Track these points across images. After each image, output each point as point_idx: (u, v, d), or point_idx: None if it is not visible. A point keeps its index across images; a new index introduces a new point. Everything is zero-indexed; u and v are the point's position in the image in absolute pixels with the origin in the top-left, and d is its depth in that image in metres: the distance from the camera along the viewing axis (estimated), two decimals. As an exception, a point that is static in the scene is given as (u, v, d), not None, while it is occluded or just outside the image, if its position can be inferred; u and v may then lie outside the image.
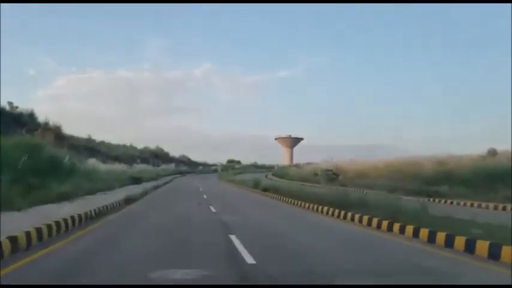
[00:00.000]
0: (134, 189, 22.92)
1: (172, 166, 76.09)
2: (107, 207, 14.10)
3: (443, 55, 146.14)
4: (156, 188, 29.42)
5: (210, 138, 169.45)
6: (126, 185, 26.42)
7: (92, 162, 31.09)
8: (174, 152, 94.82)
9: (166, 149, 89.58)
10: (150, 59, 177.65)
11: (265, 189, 27.70)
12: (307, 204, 17.20)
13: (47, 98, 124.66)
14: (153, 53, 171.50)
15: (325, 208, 15.05)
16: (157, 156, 78.88)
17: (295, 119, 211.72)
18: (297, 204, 18.63)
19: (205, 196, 23.47)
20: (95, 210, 12.50)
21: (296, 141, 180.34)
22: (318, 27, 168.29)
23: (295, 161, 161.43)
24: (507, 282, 5.69)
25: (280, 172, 74.69)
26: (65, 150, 27.24)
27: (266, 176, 67.08)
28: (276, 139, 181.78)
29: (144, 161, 68.16)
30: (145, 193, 23.07)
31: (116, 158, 54.61)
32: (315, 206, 16.19)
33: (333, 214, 14.31)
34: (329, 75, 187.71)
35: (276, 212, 16.31)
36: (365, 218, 12.09)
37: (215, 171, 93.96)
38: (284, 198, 21.18)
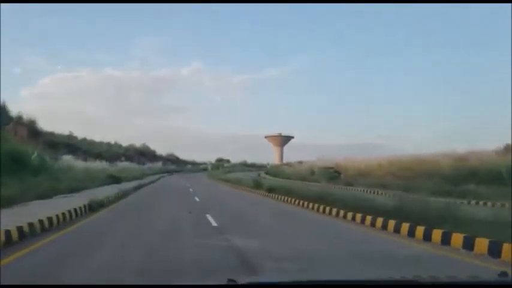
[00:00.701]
0: (108, 191, 19.18)
1: (159, 164, 72.32)
2: (48, 221, 9.45)
3: (437, 53, 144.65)
4: (137, 188, 25.98)
5: (198, 137, 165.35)
6: (103, 184, 22.96)
7: (68, 159, 27.43)
8: (161, 150, 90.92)
9: (153, 147, 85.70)
10: (139, 57, 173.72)
11: (271, 190, 23.53)
12: (349, 214, 12.32)
13: (32, 97, 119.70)
14: (142, 52, 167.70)
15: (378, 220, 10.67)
16: (143, 155, 74.99)
17: (284, 118, 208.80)
18: (329, 212, 13.77)
19: (197, 199, 19.76)
20: (20, 228, 7.99)
21: (286, 139, 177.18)
22: (308, 27, 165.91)
23: (285, 160, 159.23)
24: None
25: (273, 171, 71.50)
26: (38, 147, 23.83)
27: (259, 175, 63.80)
28: (266, 137, 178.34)
29: (129, 159, 64.40)
30: (122, 196, 19.23)
31: (98, 156, 50.88)
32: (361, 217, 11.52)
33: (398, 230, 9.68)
34: (318, 74, 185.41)
35: (318, 228, 11.13)
36: (436, 233, 8.52)
37: (204, 169, 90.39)
38: (306, 204, 16.19)
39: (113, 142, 72.73)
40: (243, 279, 1.86)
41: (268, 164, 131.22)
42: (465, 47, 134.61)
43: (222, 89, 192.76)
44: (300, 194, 18.11)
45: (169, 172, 69.07)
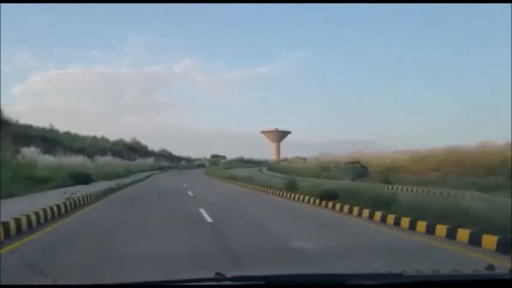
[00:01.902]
0: (49, 199, 12.22)
1: (150, 161, 65.65)
2: None
3: (428, 51, 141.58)
4: (113, 191, 19.56)
5: (192, 134, 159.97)
6: (63, 185, 16.55)
7: (30, 152, 20.93)
8: (154, 145, 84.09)
9: (145, 143, 78.89)
10: (130, 54, 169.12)
11: (332, 196, 14.05)
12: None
13: (23, 94, 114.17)
14: (133, 49, 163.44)
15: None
16: (134, 150, 68.21)
17: (278, 115, 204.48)
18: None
19: (208, 217, 10.75)
20: None
21: (283, 134, 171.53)
22: (297, 24, 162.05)
23: (282, 156, 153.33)
24: None
25: (277, 167, 65.02)
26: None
27: (260, 170, 57.72)
28: (262, 132, 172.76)
29: (117, 154, 57.73)
30: (65, 209, 11.32)
31: (80, 151, 44.27)
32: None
33: None
34: (309, 71, 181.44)
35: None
36: None
37: (200, 166, 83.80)
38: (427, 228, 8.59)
39: (99, 136, 66.15)
40: (230, 273, 1.89)
41: (266, 160, 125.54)
42: (451, 43, 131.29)
43: (215, 85, 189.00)
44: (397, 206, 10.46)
45: (162, 169, 62.42)
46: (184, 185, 28.30)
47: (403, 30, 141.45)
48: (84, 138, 54.45)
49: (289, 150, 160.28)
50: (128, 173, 34.31)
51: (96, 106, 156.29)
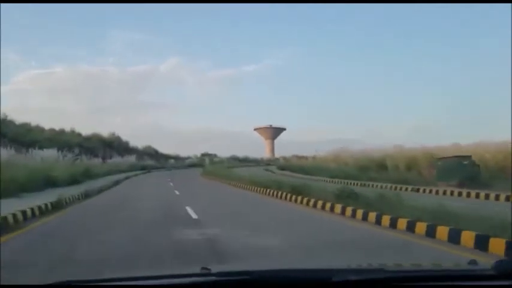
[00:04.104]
0: None
1: (131, 159, 53.99)
2: None
3: (417, 49, 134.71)
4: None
5: (180, 133, 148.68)
6: None
7: None
8: (137, 142, 72.08)
9: (128, 140, 67.02)
10: (114, 53, 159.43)
11: None
12: None
13: (6, 94, 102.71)
14: (118, 48, 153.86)
15: None
16: (111, 147, 56.56)
17: (267, 113, 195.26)
18: None
19: None
20: None
21: (278, 131, 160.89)
22: (285, 22, 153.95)
23: (277, 154, 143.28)
24: None
25: (291, 166, 53.61)
26: None
27: (267, 170, 46.96)
28: (255, 129, 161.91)
29: (90, 151, 46.17)
30: None
31: (31, 145, 32.80)
32: None
33: None
34: (296, 69, 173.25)
35: None
36: None
37: (192, 165, 72.02)
38: None
39: (68, 130, 54.36)
40: (216, 268, 1.88)
41: (262, 159, 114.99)
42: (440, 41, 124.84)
43: (202, 84, 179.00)
44: None
45: (146, 169, 50.70)
46: (177, 192, 18.33)
47: (398, 29, 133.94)
48: (40, 130, 42.79)
49: (281, 149, 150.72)
50: (88, 175, 22.80)
51: (81, 105, 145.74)
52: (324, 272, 1.93)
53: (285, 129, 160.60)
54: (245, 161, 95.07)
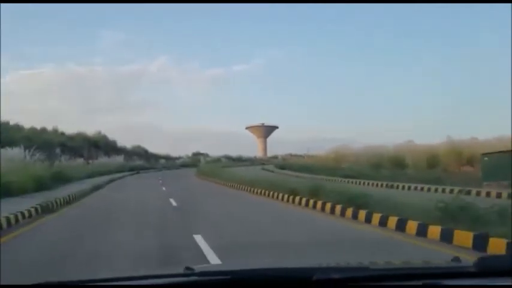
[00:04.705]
0: None
1: (119, 159, 50.34)
2: None
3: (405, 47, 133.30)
4: None
5: (170, 133, 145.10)
6: None
7: None
8: (126, 142, 68.16)
9: (117, 140, 63.08)
10: (103, 53, 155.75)
11: None
12: None
13: None
14: (106, 47, 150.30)
15: None
16: (98, 147, 52.81)
17: (259, 112, 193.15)
18: None
19: None
20: None
21: (270, 129, 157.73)
22: (274, 21, 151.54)
23: (269, 153, 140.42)
24: None
25: (289, 164, 50.55)
26: None
27: (264, 169, 43.78)
28: (247, 128, 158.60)
29: (73, 151, 42.50)
30: None
31: (9, 144, 29.07)
32: None
33: None
34: (286, 69, 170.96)
35: None
36: None
37: (184, 166, 68.49)
38: None
39: (50, 128, 50.54)
40: (200, 268, 1.86)
41: (255, 158, 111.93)
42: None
43: (192, 83, 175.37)
44: None
45: (134, 170, 46.99)
46: (174, 204, 14.15)
47: (395, 28, 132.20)
48: (20, 128, 38.99)
49: (273, 147, 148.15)
50: (63, 179, 19.15)
51: (70, 106, 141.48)
52: (307, 270, 1.92)
53: (277, 127, 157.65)
54: (240, 161, 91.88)
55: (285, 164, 53.17)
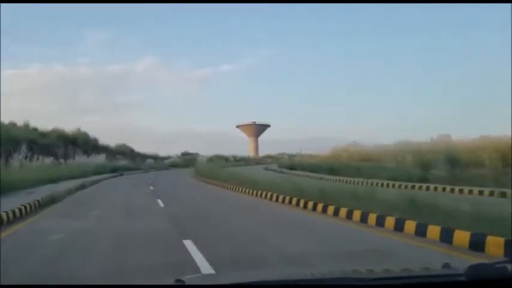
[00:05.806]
0: None
1: (101, 158, 43.92)
2: None
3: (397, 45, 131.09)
4: None
5: (157, 133, 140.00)
6: None
7: None
8: (109, 140, 61.42)
9: (95, 135, 56.21)
10: (89, 53, 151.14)
11: None
12: None
13: None
14: (92, 47, 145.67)
15: None
16: (75, 144, 46.28)
17: (249, 111, 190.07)
18: None
19: None
20: None
21: (261, 128, 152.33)
22: (263, 21, 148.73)
23: (261, 152, 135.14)
24: None
25: (300, 164, 44.74)
26: None
27: (267, 169, 38.26)
28: (238, 127, 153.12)
29: (45, 149, 36.11)
30: None
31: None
32: None
33: None
34: (273, 69, 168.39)
35: None
36: None
37: (173, 166, 62.22)
38: None
39: (21, 124, 43.84)
40: (189, 280, 1.81)
41: (249, 157, 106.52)
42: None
43: (180, 83, 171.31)
44: None
45: (117, 171, 40.37)
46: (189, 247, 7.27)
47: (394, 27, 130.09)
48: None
49: (264, 147, 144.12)
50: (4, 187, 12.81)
51: (55, 106, 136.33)
52: (300, 282, 1.89)
53: (269, 125, 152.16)
54: (235, 160, 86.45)
55: (293, 163, 47.32)
